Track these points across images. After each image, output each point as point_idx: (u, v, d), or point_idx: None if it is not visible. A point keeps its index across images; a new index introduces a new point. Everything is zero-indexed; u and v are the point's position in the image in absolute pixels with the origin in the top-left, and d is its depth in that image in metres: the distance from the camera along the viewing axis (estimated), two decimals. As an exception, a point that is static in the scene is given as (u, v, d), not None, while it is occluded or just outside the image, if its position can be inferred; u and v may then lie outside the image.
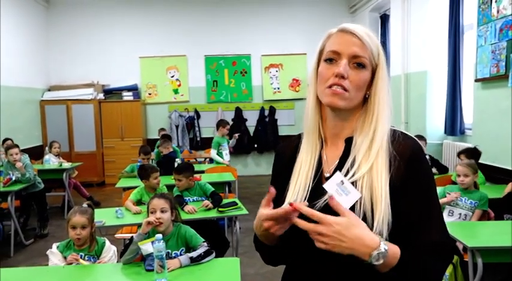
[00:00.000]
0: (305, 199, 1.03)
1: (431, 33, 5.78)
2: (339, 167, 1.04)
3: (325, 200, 1.00)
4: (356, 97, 1.02)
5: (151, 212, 2.39)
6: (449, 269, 2.61)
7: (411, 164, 0.99)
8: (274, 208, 1.03)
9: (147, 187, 3.75)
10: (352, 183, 0.99)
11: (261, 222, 1.00)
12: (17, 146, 4.97)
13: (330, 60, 1.02)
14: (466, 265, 2.54)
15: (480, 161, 4.45)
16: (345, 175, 1.01)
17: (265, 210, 0.99)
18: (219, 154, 6.03)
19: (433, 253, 0.96)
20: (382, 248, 0.90)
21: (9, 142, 5.94)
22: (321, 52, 1.06)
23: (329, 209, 0.98)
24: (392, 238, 0.96)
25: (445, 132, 5.49)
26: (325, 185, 1.02)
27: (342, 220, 0.90)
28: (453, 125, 5.27)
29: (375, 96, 1.03)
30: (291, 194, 1.06)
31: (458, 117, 5.24)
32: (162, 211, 2.38)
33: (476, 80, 4.54)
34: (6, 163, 4.96)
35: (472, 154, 4.10)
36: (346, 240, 0.89)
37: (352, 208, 0.97)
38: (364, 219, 0.95)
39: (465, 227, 2.94)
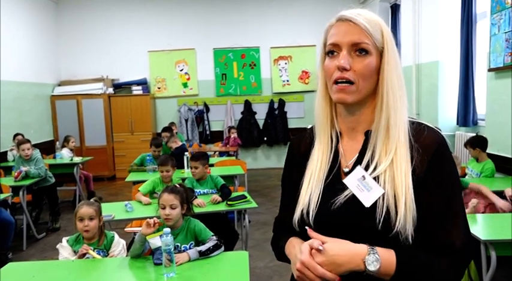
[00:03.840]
0: (320, 194, 1.00)
1: (443, 22, 5.67)
2: (358, 161, 1.00)
3: (345, 196, 0.97)
4: (365, 87, 0.97)
5: (162, 208, 2.39)
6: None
7: (436, 159, 0.95)
8: (287, 204, 1.07)
9: (163, 177, 3.78)
10: (374, 178, 0.95)
11: (298, 262, 0.94)
12: (28, 141, 5.01)
13: (331, 53, 0.98)
14: (479, 258, 2.49)
15: (493, 152, 4.38)
16: (365, 169, 0.97)
17: (311, 260, 0.93)
18: None
19: (444, 255, 0.93)
20: (373, 253, 0.90)
21: (20, 137, 6.00)
22: (324, 45, 1.01)
23: (349, 205, 0.96)
24: (419, 234, 0.93)
25: (458, 123, 5.40)
26: (346, 181, 0.99)
27: (326, 252, 0.91)
28: (466, 115, 5.18)
29: (383, 82, 0.97)
30: (305, 191, 1.03)
31: (471, 108, 5.15)
32: (171, 207, 2.37)
33: (490, 70, 4.44)
34: (18, 158, 5.01)
35: (476, 142, 4.04)
36: (337, 259, 0.90)
37: (375, 204, 0.93)
38: (388, 215, 0.92)
39: (478, 219, 2.89)
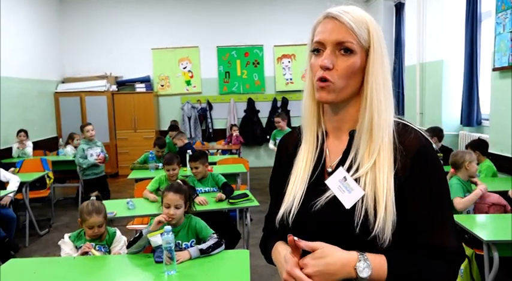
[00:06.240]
0: (303, 194, 0.99)
1: (448, 21, 5.64)
2: (342, 161, 0.99)
3: (327, 197, 0.96)
4: (347, 86, 0.95)
5: (166, 207, 2.40)
6: (465, 263, 2.56)
7: (418, 161, 0.93)
8: (276, 202, 1.05)
9: (169, 175, 3.80)
10: (356, 179, 0.94)
11: (284, 272, 0.94)
12: (90, 123, 5.39)
13: (317, 51, 0.97)
14: (481, 259, 2.48)
15: (497, 152, 4.36)
16: (348, 171, 0.96)
17: (297, 270, 0.91)
18: None
19: (435, 258, 0.91)
20: (363, 259, 0.88)
21: (23, 133, 6.01)
22: (312, 41, 1.00)
23: (330, 206, 0.95)
24: (397, 238, 0.91)
25: (461, 123, 5.38)
26: (327, 181, 0.98)
27: (314, 261, 0.89)
28: (470, 115, 5.15)
29: (367, 81, 0.95)
30: (290, 190, 1.02)
31: (475, 108, 5.12)
32: (176, 207, 2.37)
33: (494, 69, 4.41)
34: (85, 143, 5.25)
35: (476, 146, 4.04)
36: (328, 269, 0.88)
37: (354, 206, 0.92)
38: (366, 218, 0.90)
39: (481, 220, 2.88)
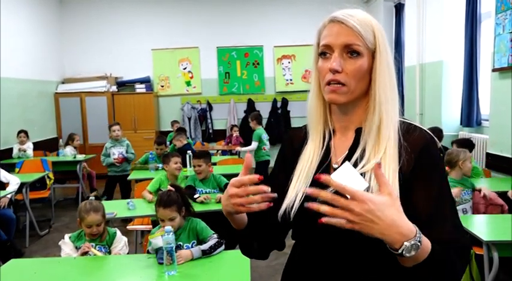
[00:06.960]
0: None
1: (447, 22, 5.65)
2: (348, 157, 1.01)
3: (331, 190, 0.96)
4: (357, 87, 0.98)
5: (161, 220, 2.41)
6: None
7: (421, 158, 0.95)
8: (277, 200, 1.01)
9: (169, 173, 3.82)
10: (361, 175, 0.94)
11: (227, 191, 0.95)
12: (118, 123, 5.47)
13: (324, 55, 0.99)
14: (481, 259, 2.48)
15: (496, 152, 4.37)
16: (354, 166, 0.96)
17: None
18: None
19: (458, 252, 0.90)
20: (417, 240, 0.80)
21: (23, 134, 6.02)
22: (317, 46, 1.02)
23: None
24: None
25: (461, 123, 5.38)
26: (333, 176, 0.98)
27: (379, 199, 0.80)
28: (469, 116, 5.16)
29: (375, 83, 0.98)
30: (294, 186, 1.03)
31: (475, 108, 5.13)
32: (170, 219, 2.38)
33: (494, 70, 4.42)
34: (110, 142, 5.38)
35: (462, 144, 4.05)
36: (380, 222, 0.78)
37: None
38: None
39: (480, 220, 2.88)
